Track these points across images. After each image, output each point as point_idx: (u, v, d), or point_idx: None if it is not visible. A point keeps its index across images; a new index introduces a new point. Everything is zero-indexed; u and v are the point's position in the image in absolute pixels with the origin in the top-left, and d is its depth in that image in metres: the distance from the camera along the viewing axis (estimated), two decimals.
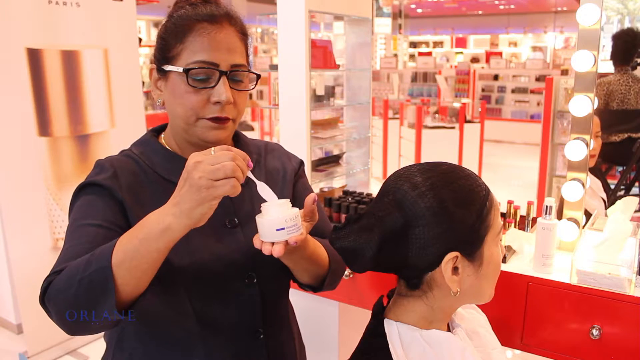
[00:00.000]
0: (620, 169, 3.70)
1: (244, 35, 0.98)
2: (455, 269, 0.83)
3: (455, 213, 0.81)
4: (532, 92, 10.09)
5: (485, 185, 0.86)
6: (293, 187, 1.10)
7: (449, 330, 0.94)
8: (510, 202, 1.77)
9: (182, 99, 0.93)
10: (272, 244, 0.80)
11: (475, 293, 0.87)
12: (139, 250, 0.75)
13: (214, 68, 0.92)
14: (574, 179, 1.60)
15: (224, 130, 0.96)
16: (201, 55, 0.91)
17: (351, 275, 1.70)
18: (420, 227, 0.81)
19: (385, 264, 0.86)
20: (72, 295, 0.78)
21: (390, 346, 0.85)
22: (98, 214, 0.89)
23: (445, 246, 0.81)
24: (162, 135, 1.04)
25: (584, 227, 1.62)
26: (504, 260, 1.51)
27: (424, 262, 0.83)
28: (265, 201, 0.83)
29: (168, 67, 0.94)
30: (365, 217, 0.85)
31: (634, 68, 3.41)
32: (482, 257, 0.84)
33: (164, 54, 0.95)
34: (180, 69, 0.92)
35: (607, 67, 3.65)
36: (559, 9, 16.75)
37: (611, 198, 2.48)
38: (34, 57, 2.49)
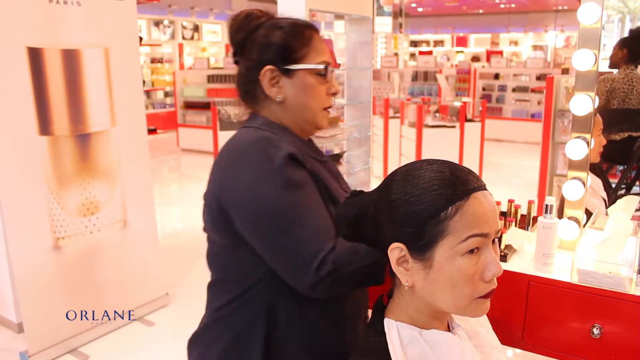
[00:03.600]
0: (621, 167, 3.70)
1: None
2: (407, 262, 0.85)
3: (407, 207, 0.83)
4: (533, 91, 10.08)
5: (464, 189, 0.82)
6: None
7: (448, 330, 0.94)
8: (510, 201, 1.77)
9: (314, 92, 1.13)
10: None
11: (430, 297, 0.85)
12: None
13: (329, 66, 1.15)
14: (574, 178, 1.60)
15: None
16: (324, 57, 1.14)
17: None
18: (379, 212, 0.88)
19: (363, 239, 0.95)
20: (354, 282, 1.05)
21: (389, 346, 0.85)
22: (312, 188, 1.06)
23: (394, 235, 0.85)
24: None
25: (584, 226, 1.62)
26: (505, 259, 1.51)
27: (382, 247, 0.88)
28: None
29: (299, 66, 1.11)
30: (362, 196, 0.96)
31: (636, 67, 3.41)
32: (432, 259, 0.82)
33: (288, 56, 1.11)
34: (322, 66, 1.12)
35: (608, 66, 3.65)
36: (560, 7, 16.73)
37: (612, 197, 2.48)
38: (35, 56, 2.49)
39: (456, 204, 0.81)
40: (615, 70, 3.50)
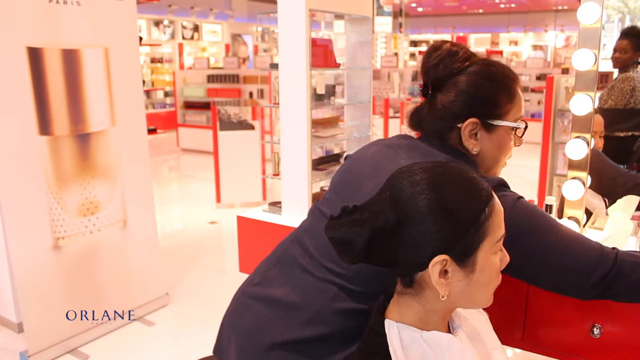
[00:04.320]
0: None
1: None
2: (445, 272, 0.82)
3: (448, 217, 0.80)
4: (533, 90, 10.08)
5: (488, 190, 0.84)
6: None
7: (449, 331, 0.93)
8: None
9: (507, 147, 1.16)
10: None
11: (466, 299, 0.85)
12: None
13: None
14: (574, 178, 1.60)
15: None
16: (521, 112, 1.16)
17: None
18: (411, 227, 0.80)
19: (376, 259, 0.84)
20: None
21: (390, 347, 0.85)
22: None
23: (435, 248, 0.80)
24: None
25: (584, 226, 1.62)
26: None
27: (414, 262, 0.83)
28: None
29: (502, 123, 1.13)
30: (360, 211, 0.83)
31: (636, 65, 3.41)
32: (475, 263, 0.82)
33: (492, 110, 1.12)
34: (522, 126, 1.14)
35: (608, 66, 3.64)
36: (560, 7, 16.73)
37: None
38: (35, 56, 2.49)
39: (489, 204, 0.82)
40: (617, 71, 3.49)
